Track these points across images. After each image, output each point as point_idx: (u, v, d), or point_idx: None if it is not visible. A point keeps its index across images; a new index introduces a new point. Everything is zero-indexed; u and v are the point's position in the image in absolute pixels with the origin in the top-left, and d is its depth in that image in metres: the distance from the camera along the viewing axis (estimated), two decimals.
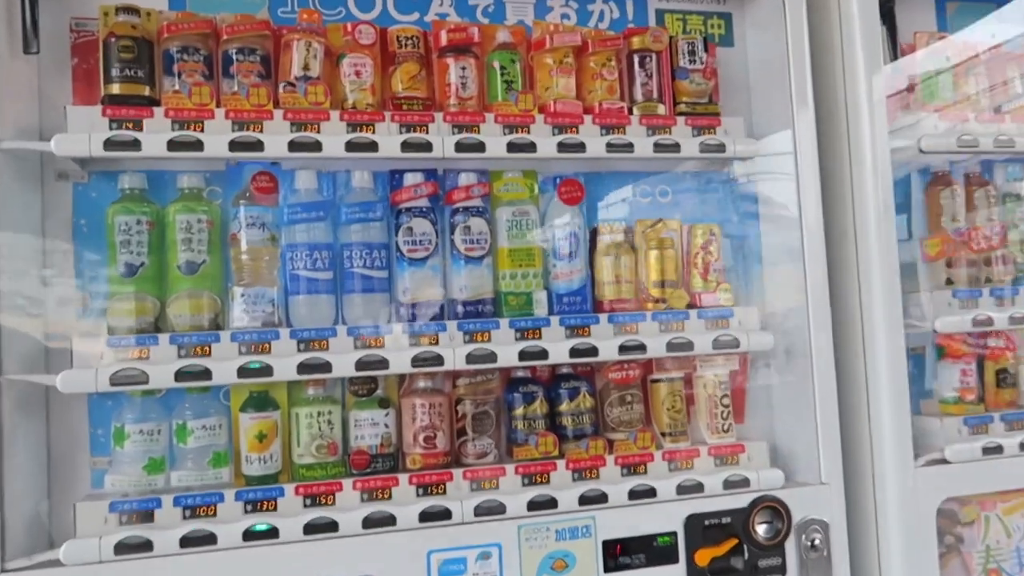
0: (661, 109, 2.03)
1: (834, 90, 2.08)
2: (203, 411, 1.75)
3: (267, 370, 1.66)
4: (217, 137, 1.69)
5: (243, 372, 1.65)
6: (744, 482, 1.91)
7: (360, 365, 1.70)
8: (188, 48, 1.74)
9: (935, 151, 2.19)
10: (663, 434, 1.98)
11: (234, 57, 1.77)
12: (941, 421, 2.14)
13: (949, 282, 2.26)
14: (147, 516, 1.63)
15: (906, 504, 1.95)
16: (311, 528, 1.65)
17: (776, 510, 1.88)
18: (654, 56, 2.05)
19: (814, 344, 1.98)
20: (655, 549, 1.81)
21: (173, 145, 1.66)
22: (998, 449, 2.09)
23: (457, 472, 1.78)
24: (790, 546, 1.88)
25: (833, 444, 1.96)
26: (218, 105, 1.72)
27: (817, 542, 1.88)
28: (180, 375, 1.61)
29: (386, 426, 1.78)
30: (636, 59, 2.04)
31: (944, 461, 2.04)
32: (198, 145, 1.67)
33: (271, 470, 1.75)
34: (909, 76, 2.29)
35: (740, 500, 1.88)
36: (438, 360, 1.74)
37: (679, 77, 2.07)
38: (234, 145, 1.69)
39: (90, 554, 1.56)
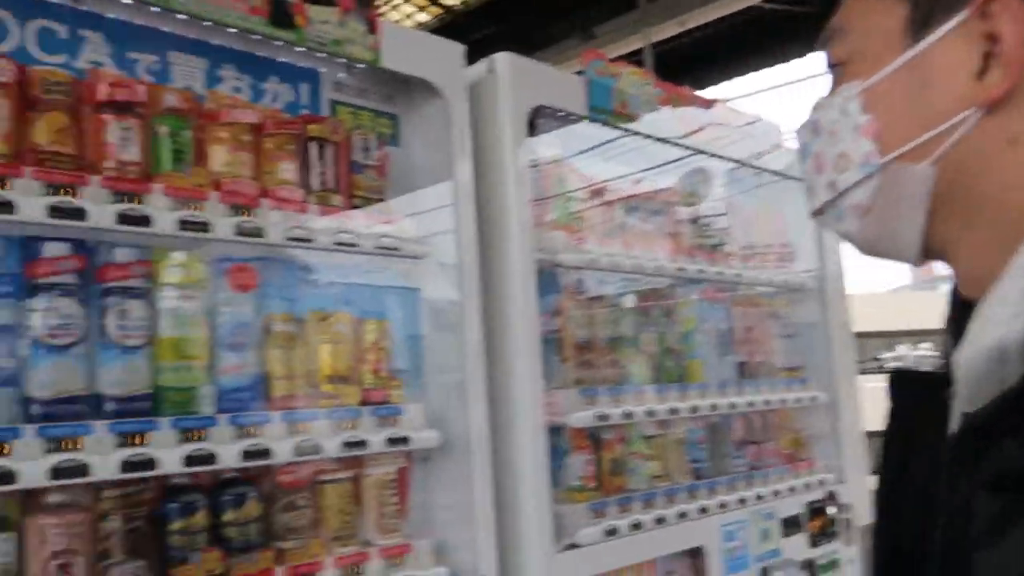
0: (337, 200, 2.18)
1: (489, 201, 2.48)
2: None
3: None
4: None
5: None
6: None
7: None
8: None
9: (567, 265, 2.72)
10: (333, 538, 2.03)
11: None
12: (572, 508, 2.58)
13: (578, 382, 2.76)
14: None
15: None
16: None
17: None
18: (332, 146, 2.21)
19: (473, 438, 2.26)
20: None
21: None
22: (614, 531, 2.59)
23: None
24: None
25: (489, 536, 2.23)
26: None
27: None
28: None
29: (6, 555, 1.52)
30: (314, 147, 2.18)
31: (575, 545, 2.47)
32: None
33: None
34: (541, 194, 2.82)
35: None
36: (82, 470, 1.58)
37: (355, 171, 2.26)
38: None
39: None
